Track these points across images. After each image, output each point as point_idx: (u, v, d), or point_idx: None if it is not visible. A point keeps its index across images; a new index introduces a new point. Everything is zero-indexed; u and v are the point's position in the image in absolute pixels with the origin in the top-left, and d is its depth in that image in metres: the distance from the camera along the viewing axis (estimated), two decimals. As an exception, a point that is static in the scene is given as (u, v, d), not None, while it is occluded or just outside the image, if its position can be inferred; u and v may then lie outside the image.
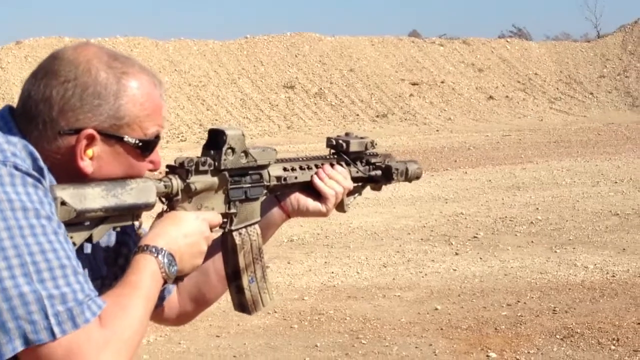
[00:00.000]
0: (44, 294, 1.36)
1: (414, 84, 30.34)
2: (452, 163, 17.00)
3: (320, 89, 28.40)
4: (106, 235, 1.77)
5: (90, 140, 1.57)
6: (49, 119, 1.56)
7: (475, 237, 9.41)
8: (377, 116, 27.45)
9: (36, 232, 1.39)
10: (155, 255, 1.59)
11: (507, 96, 31.09)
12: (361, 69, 30.21)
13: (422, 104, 29.10)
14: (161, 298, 1.91)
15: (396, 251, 8.79)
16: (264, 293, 1.94)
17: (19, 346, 1.34)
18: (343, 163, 2.09)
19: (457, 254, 8.62)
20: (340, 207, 2.08)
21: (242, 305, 1.93)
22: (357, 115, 27.27)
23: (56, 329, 1.35)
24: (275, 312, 6.68)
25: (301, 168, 2.01)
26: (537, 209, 11.06)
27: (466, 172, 15.36)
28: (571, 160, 16.96)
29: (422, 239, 9.37)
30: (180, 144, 22.23)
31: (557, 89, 32.69)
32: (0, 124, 1.58)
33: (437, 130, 26.04)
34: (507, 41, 36.42)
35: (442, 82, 30.96)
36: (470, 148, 20.25)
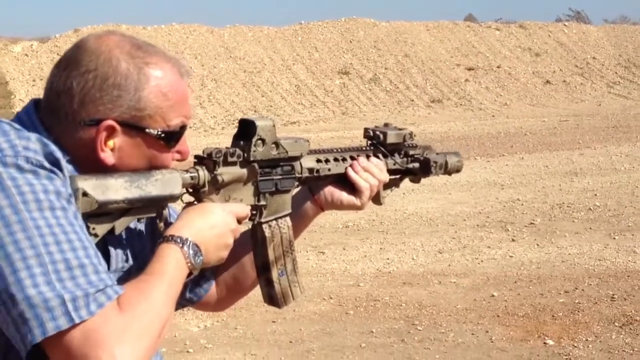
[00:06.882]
0: (59, 284, 1.35)
1: (469, 69, 30.08)
2: (508, 149, 16.84)
3: (375, 74, 28.31)
4: (149, 225, 1.76)
5: (111, 131, 1.55)
6: (70, 111, 1.55)
7: (532, 223, 9.32)
8: (432, 101, 27.28)
9: (50, 223, 1.38)
10: (181, 245, 1.57)
11: (564, 81, 30.68)
12: (416, 54, 30.04)
13: (477, 89, 28.84)
14: (198, 296, 1.92)
15: (452, 237, 8.76)
16: (294, 286, 1.90)
17: (38, 335, 1.34)
18: (380, 155, 2.03)
19: (513, 240, 8.55)
20: (376, 199, 2.02)
21: (272, 298, 1.90)
22: (412, 100, 27.14)
23: (74, 315, 1.34)
24: (331, 298, 6.71)
25: (335, 160, 1.95)
26: (595, 195, 10.92)
27: (522, 158, 15.21)
28: (630, 145, 16.68)
29: (477, 225, 9.32)
30: (236, 130, 22.33)
31: (616, 73, 32.16)
32: (24, 119, 1.58)
33: (493, 116, 25.78)
34: (564, 25, 35.90)
35: (498, 67, 30.64)
36: (526, 133, 20.03)
